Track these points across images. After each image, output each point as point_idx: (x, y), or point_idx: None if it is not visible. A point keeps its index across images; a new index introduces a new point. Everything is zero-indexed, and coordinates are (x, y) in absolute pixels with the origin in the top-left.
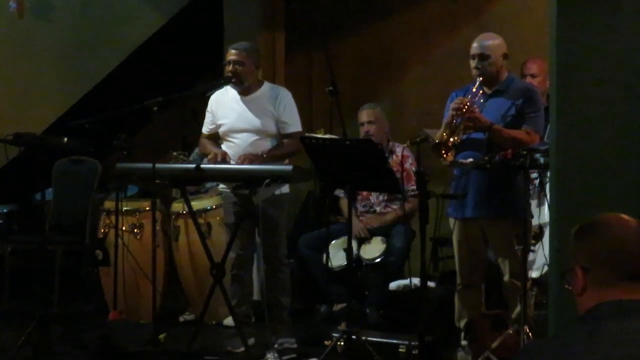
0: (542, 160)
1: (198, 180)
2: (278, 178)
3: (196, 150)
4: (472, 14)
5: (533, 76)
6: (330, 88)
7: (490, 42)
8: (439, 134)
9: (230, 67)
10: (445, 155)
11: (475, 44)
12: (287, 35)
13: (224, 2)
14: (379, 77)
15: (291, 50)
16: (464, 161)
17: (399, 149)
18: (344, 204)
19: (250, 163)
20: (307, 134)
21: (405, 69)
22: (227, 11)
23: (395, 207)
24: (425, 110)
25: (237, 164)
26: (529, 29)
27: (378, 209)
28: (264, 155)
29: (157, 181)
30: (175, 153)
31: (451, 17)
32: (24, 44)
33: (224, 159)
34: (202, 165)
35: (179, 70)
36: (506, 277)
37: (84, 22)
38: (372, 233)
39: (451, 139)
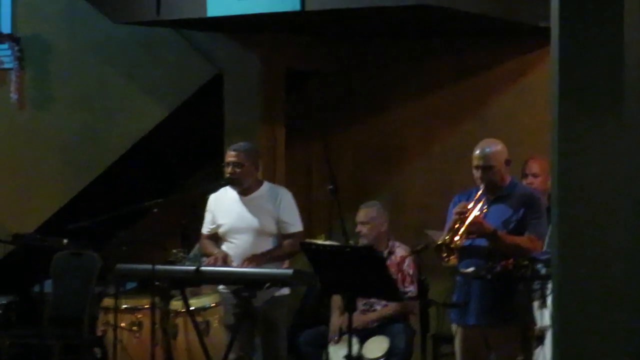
0: (543, 270)
1: (198, 282)
2: (278, 282)
3: (197, 247)
4: (473, 108)
5: (535, 176)
6: (331, 187)
7: (492, 150)
8: (441, 237)
9: (229, 169)
10: (447, 259)
11: (477, 152)
12: (288, 128)
13: (224, 95)
14: (379, 169)
15: (291, 143)
16: (465, 270)
17: (398, 250)
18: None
19: (255, 264)
20: (307, 240)
21: (405, 162)
22: (227, 105)
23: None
24: (426, 204)
25: (240, 266)
26: (529, 124)
27: (378, 307)
28: (267, 256)
29: (157, 283)
30: (174, 251)
31: (452, 111)
32: (25, 135)
33: (225, 261)
34: (201, 268)
35: (179, 162)
36: None
37: (85, 114)
38: (371, 331)
39: (453, 243)
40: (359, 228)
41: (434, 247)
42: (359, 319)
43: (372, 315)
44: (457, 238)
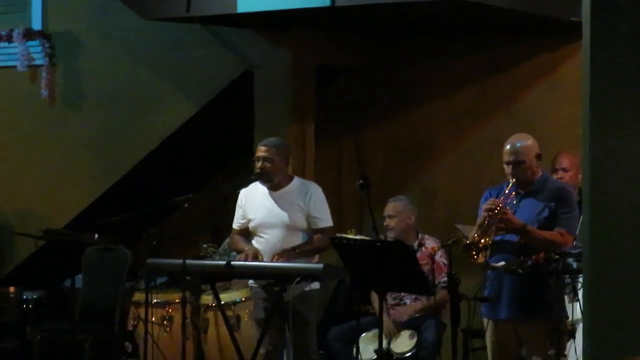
0: (574, 265)
1: (228, 277)
2: (308, 276)
3: (227, 241)
4: (503, 104)
5: (565, 170)
6: (361, 181)
7: (522, 144)
8: (471, 235)
9: (259, 164)
10: (476, 257)
11: (508, 148)
12: (317, 124)
13: (254, 91)
14: (409, 165)
15: (321, 139)
16: (496, 265)
17: (428, 242)
18: (374, 296)
19: (284, 259)
20: (337, 235)
21: (435, 158)
22: (257, 100)
23: (424, 298)
24: (456, 199)
25: (270, 261)
26: (560, 119)
27: (408, 301)
28: (297, 251)
29: (188, 277)
30: (205, 245)
31: (482, 106)
32: (56, 131)
33: (256, 257)
34: (232, 262)
35: (209, 158)
36: None
37: (115, 110)
38: (401, 326)
39: (482, 240)
40: (387, 221)
41: (463, 245)
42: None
43: (414, 306)
44: (486, 236)
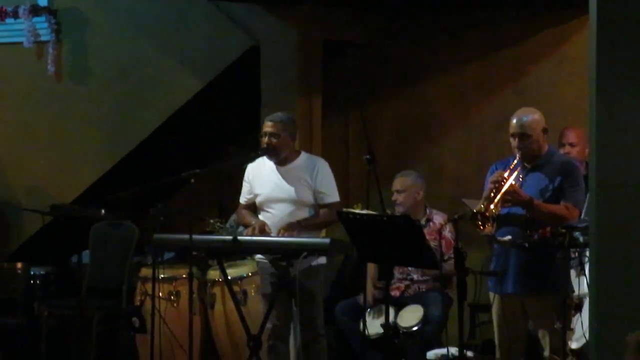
0: (581, 238)
1: (235, 252)
2: (315, 251)
3: (233, 217)
4: (510, 79)
5: (572, 145)
6: (368, 156)
7: (529, 119)
8: (477, 206)
9: (266, 139)
10: (482, 227)
11: (514, 121)
12: (324, 98)
13: (260, 67)
14: (416, 140)
15: (328, 114)
16: (502, 239)
17: (436, 217)
18: (372, 267)
19: (289, 233)
20: (344, 209)
21: (442, 133)
22: (264, 76)
23: (431, 273)
24: (463, 174)
25: (276, 235)
26: (567, 93)
27: (415, 276)
28: (302, 224)
29: (194, 253)
30: (212, 221)
31: (489, 82)
32: (62, 107)
33: (263, 229)
34: (239, 237)
35: (216, 133)
36: (546, 352)
37: (121, 87)
38: (407, 300)
39: (488, 211)
40: (395, 196)
41: (469, 215)
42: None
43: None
44: (492, 206)
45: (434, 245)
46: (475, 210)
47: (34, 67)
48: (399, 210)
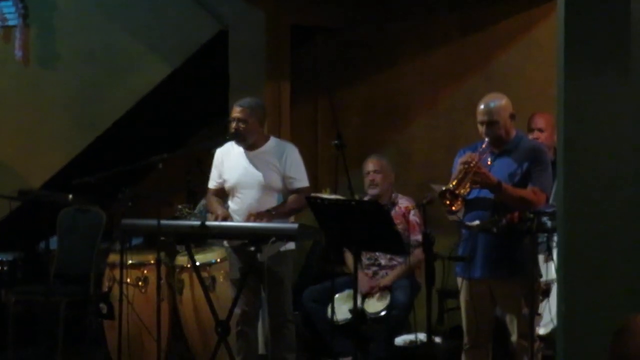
0: (549, 223)
1: (203, 237)
2: (283, 237)
3: (202, 202)
4: (479, 64)
5: (540, 130)
6: (336, 142)
7: (496, 104)
8: (447, 184)
9: (234, 125)
10: (450, 205)
11: (481, 107)
12: (293, 83)
13: (229, 51)
14: (385, 125)
15: (297, 98)
16: (470, 224)
17: (402, 201)
18: (349, 256)
19: (259, 221)
20: (312, 194)
21: (411, 118)
22: (232, 60)
23: (400, 260)
24: (432, 160)
25: (244, 221)
26: (535, 79)
27: (383, 261)
28: (273, 212)
29: (162, 238)
30: (180, 206)
31: (458, 67)
32: (30, 92)
33: (225, 220)
34: (207, 223)
35: (185, 118)
36: (514, 337)
37: (90, 71)
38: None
39: (457, 190)
40: (372, 176)
41: (438, 193)
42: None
43: (386, 280)
44: (461, 186)
45: (400, 229)
46: (444, 188)
47: (2, 51)
48: (374, 191)
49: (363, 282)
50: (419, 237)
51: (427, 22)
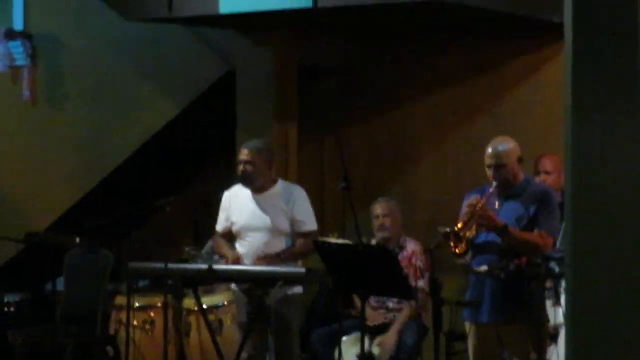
0: (557, 269)
1: (210, 281)
2: (291, 280)
3: (209, 244)
4: (486, 105)
5: (548, 173)
6: (344, 184)
7: (504, 148)
8: (452, 226)
9: (241, 167)
10: (454, 248)
11: (490, 151)
12: (300, 125)
13: (237, 92)
14: (392, 166)
15: (304, 139)
16: (478, 269)
17: (410, 245)
18: (357, 298)
19: (267, 264)
20: (320, 239)
21: (418, 158)
22: (239, 100)
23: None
24: (438, 201)
25: (253, 264)
26: (543, 120)
27: (391, 305)
28: (281, 257)
29: (170, 282)
30: (187, 249)
31: (465, 107)
32: (37, 132)
33: (237, 263)
34: (214, 266)
35: (192, 159)
36: None
37: (97, 111)
38: (383, 328)
39: (462, 232)
40: (381, 220)
41: (442, 235)
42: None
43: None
44: (467, 229)
45: (407, 272)
46: (448, 230)
47: (10, 91)
48: (384, 235)
49: (372, 316)
50: (421, 283)
51: (435, 62)
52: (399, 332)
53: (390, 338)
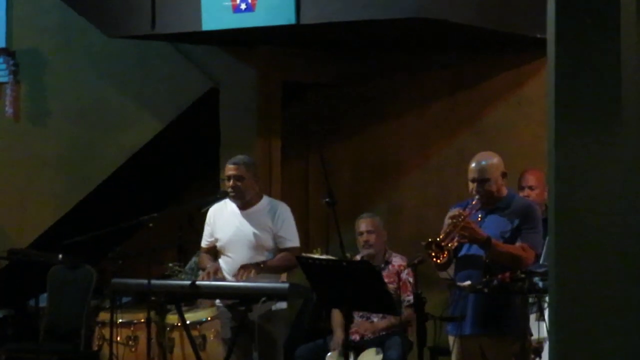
0: (540, 284)
1: (193, 297)
2: (274, 296)
3: (194, 259)
4: (470, 120)
5: (531, 188)
6: (327, 199)
7: (487, 162)
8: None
9: (230, 182)
10: (435, 258)
11: (473, 165)
12: (283, 139)
13: (220, 108)
14: (375, 180)
15: (287, 155)
16: (462, 284)
17: (395, 259)
18: (335, 314)
19: (248, 274)
20: (303, 254)
21: (402, 174)
22: (223, 118)
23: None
24: (422, 215)
25: (235, 275)
26: (526, 135)
27: (376, 319)
28: (262, 265)
29: (153, 298)
30: (170, 264)
31: (448, 123)
32: (20, 148)
33: (216, 273)
34: (197, 282)
35: (175, 175)
36: None
37: (80, 128)
38: (367, 343)
39: (444, 243)
40: (366, 237)
41: (424, 244)
42: (363, 325)
43: (380, 324)
44: (448, 240)
45: (393, 287)
46: (430, 240)
47: None
48: (368, 251)
49: (362, 325)
50: (410, 298)
51: (418, 78)
52: (376, 332)
53: (368, 328)
